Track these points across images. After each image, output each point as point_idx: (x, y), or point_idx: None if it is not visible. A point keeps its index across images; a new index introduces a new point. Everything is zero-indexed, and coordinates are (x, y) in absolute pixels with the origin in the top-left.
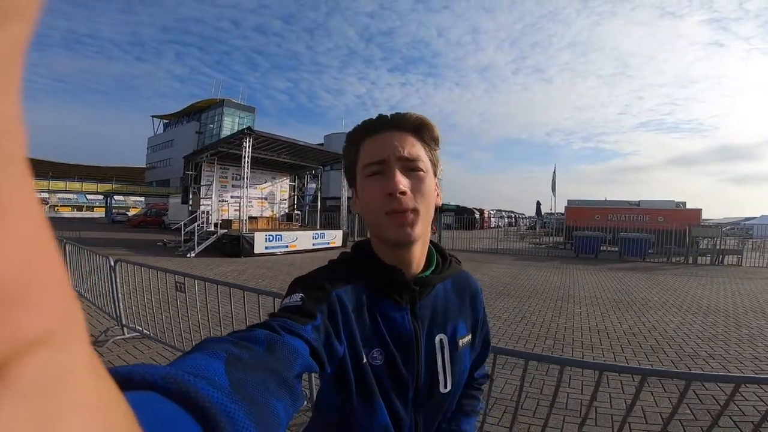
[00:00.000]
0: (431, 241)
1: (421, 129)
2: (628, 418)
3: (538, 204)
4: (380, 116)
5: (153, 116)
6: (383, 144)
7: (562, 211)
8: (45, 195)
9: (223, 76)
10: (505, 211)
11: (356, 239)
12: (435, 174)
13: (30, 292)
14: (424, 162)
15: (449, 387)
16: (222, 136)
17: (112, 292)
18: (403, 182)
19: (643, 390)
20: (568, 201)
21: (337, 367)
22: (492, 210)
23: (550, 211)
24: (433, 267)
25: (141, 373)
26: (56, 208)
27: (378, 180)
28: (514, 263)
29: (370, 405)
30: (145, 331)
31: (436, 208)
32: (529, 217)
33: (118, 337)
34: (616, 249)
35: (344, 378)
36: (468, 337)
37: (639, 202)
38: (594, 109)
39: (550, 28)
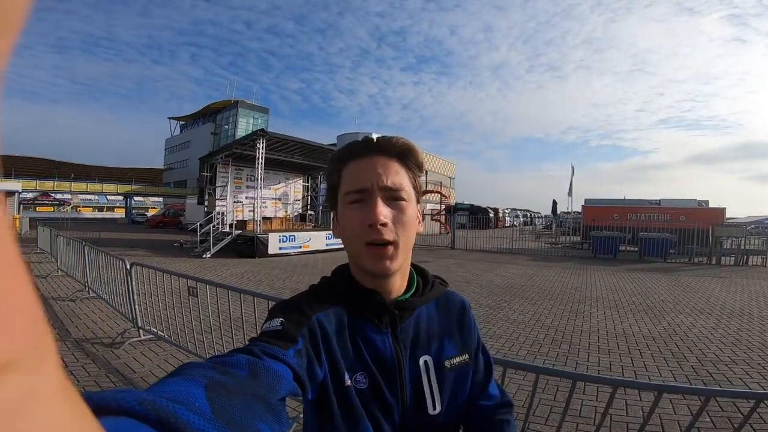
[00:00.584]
0: (413, 264)
1: (406, 155)
2: (645, 427)
3: (554, 203)
4: (366, 139)
5: (170, 118)
6: (367, 171)
7: (579, 210)
8: (68, 196)
9: (237, 77)
10: (521, 210)
11: None
12: (418, 201)
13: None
14: (407, 191)
15: (438, 408)
16: (237, 137)
17: (129, 295)
18: (384, 213)
19: (664, 399)
20: (586, 200)
21: (317, 391)
22: (507, 209)
23: (566, 210)
24: (413, 290)
25: (116, 398)
26: (78, 209)
27: (359, 209)
28: (529, 264)
29: (357, 429)
30: (160, 333)
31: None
32: (545, 217)
33: (135, 339)
34: (636, 249)
35: (326, 403)
36: (462, 357)
37: (660, 201)
38: (611, 106)
39: (564, 26)
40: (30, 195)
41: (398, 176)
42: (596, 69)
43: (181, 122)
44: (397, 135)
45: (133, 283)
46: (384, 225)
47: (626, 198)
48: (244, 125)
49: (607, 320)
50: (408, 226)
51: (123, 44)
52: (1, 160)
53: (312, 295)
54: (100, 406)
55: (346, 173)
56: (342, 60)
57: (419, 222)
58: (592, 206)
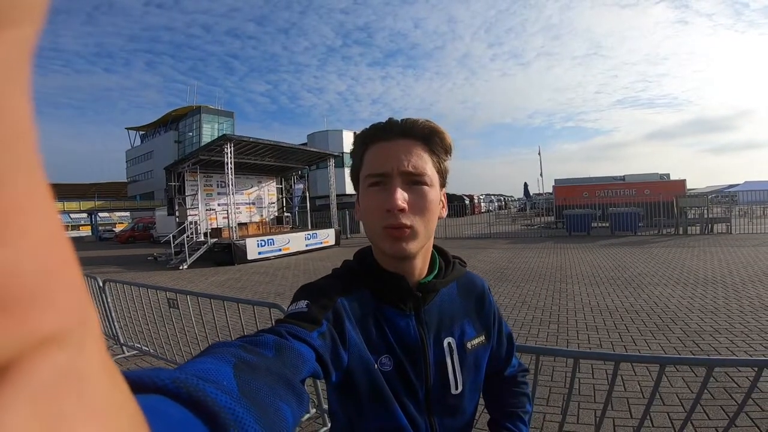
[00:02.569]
0: (435, 246)
1: (431, 138)
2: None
3: (526, 186)
4: (390, 121)
5: (127, 128)
6: (388, 154)
7: (551, 191)
8: None
9: (199, 82)
10: (494, 195)
11: (348, 236)
12: (443, 185)
13: (47, 291)
14: (429, 175)
15: (460, 388)
16: (202, 143)
17: (106, 312)
18: (402, 198)
19: (663, 371)
20: (556, 180)
21: (343, 374)
22: (481, 195)
23: (538, 192)
24: (436, 272)
25: (151, 377)
26: None
27: (378, 193)
28: (508, 247)
29: (385, 409)
30: (144, 347)
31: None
32: (519, 200)
33: (119, 356)
34: (607, 225)
35: (351, 385)
36: (479, 338)
37: (624, 177)
38: (572, 90)
39: (523, 13)
40: None
41: (420, 160)
42: (556, 55)
43: (141, 132)
44: (422, 118)
45: (109, 300)
46: (402, 210)
47: (593, 176)
48: (209, 131)
49: (590, 297)
50: (428, 210)
51: (70, 54)
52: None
53: (336, 279)
54: (137, 383)
55: (368, 156)
56: (308, 59)
57: (443, 207)
58: (562, 186)
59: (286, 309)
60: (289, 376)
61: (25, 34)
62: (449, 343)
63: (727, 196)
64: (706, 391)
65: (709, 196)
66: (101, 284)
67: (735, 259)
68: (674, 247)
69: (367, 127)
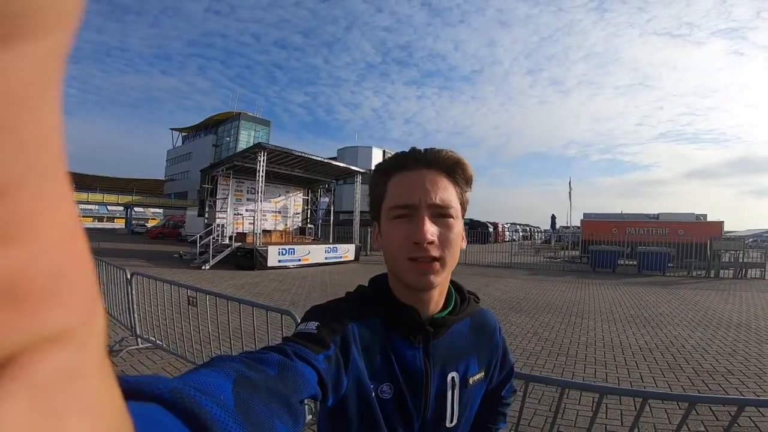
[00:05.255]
0: (452, 281)
1: (455, 169)
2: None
3: (553, 217)
4: (413, 151)
5: (172, 129)
6: (414, 186)
7: (578, 225)
8: None
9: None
10: (520, 225)
11: (368, 253)
12: (463, 216)
13: (57, 290)
14: (455, 208)
15: (455, 422)
16: (238, 149)
17: (128, 303)
18: (431, 231)
19: (658, 408)
20: (584, 214)
21: (339, 399)
22: (507, 224)
23: (565, 225)
24: (451, 308)
25: (150, 384)
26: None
27: (405, 224)
28: (527, 278)
29: None
30: (158, 341)
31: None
32: (544, 231)
33: (132, 347)
34: (635, 263)
35: (345, 411)
36: (480, 374)
37: (658, 215)
38: (612, 120)
39: (566, 41)
40: None
41: (446, 192)
42: (598, 83)
43: (183, 133)
44: (445, 148)
45: (133, 292)
46: (431, 243)
47: (624, 212)
48: (246, 137)
49: (604, 332)
50: (454, 243)
51: (134, 54)
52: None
53: (349, 304)
54: (135, 390)
55: (392, 186)
56: (347, 74)
57: (463, 238)
58: (591, 220)
59: (296, 323)
60: (289, 395)
61: (56, 40)
62: (453, 378)
63: (765, 240)
64: (702, 427)
65: (747, 240)
66: (128, 276)
67: (765, 304)
68: (703, 289)
69: (390, 156)
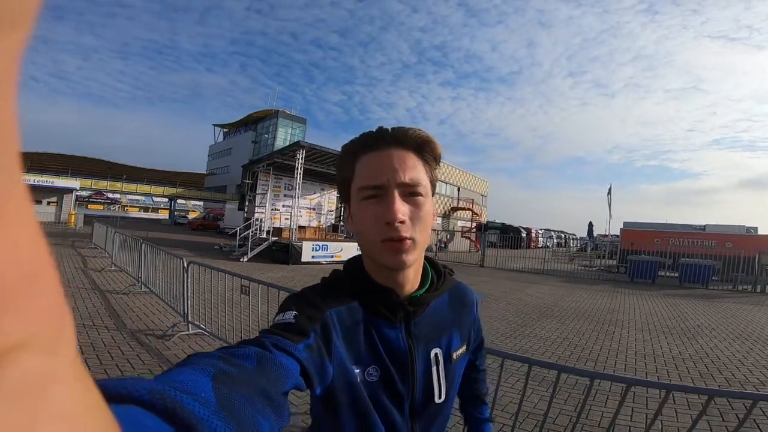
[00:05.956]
0: (426, 257)
1: (423, 147)
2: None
3: (591, 225)
4: (380, 129)
5: (214, 125)
6: (382, 165)
7: (617, 233)
8: (118, 196)
9: (281, 87)
10: (555, 231)
11: None
12: (433, 194)
13: (21, 295)
14: (424, 186)
15: (443, 397)
16: (275, 146)
17: (183, 291)
18: (402, 210)
19: (691, 408)
20: (624, 223)
21: (326, 386)
22: (540, 229)
23: (603, 233)
24: (428, 285)
25: (127, 387)
26: (126, 208)
27: (375, 205)
28: (561, 285)
29: (366, 421)
30: (207, 329)
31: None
32: (580, 239)
33: (183, 333)
34: (676, 275)
35: (335, 397)
36: (463, 348)
37: (705, 226)
38: (661, 125)
39: (612, 43)
40: (85, 193)
41: (415, 171)
42: (646, 87)
43: (225, 130)
44: (413, 126)
45: (189, 280)
46: (402, 222)
47: (668, 222)
48: (283, 134)
49: (637, 342)
50: (425, 221)
51: (182, 51)
52: (22, 155)
53: (326, 289)
54: (112, 393)
55: (360, 167)
56: (382, 74)
57: (434, 216)
58: (631, 230)
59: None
60: (270, 389)
61: (12, 40)
62: (436, 354)
63: None
64: (722, 423)
65: None
66: (185, 265)
67: None
68: (746, 303)
69: (357, 136)
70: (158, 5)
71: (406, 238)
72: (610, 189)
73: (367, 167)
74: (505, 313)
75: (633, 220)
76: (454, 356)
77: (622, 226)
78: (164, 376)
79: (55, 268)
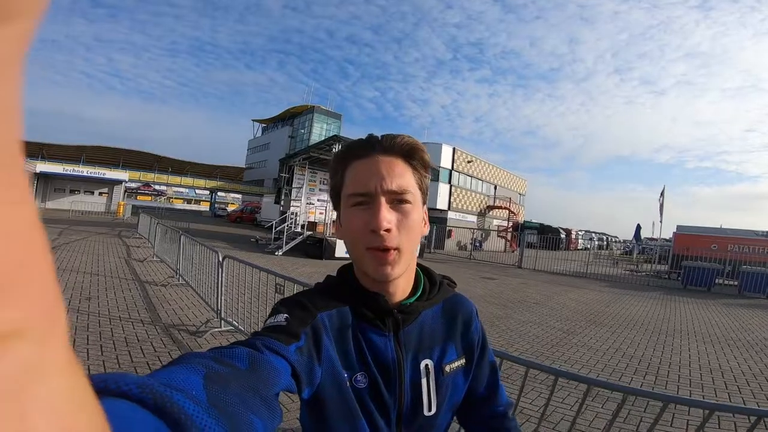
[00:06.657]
0: (420, 265)
1: (411, 154)
2: None
3: (638, 227)
4: (370, 137)
5: (253, 120)
6: (370, 173)
7: (668, 237)
8: (164, 188)
9: (317, 83)
10: (596, 233)
11: (432, 251)
12: (424, 202)
13: (13, 285)
14: (413, 193)
15: (434, 410)
16: (311, 141)
17: (217, 285)
18: (387, 219)
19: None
20: (678, 227)
21: (315, 390)
22: (580, 231)
23: (651, 237)
24: (419, 293)
25: (116, 381)
26: (171, 200)
27: (362, 212)
28: (605, 290)
29: (353, 426)
30: (240, 326)
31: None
32: (624, 241)
33: (216, 330)
34: (735, 283)
35: (323, 401)
36: (459, 362)
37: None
38: (716, 125)
39: (662, 39)
40: (134, 185)
41: (403, 178)
42: (700, 85)
43: (263, 124)
44: (402, 133)
45: (223, 274)
46: (387, 231)
47: (723, 227)
48: (318, 130)
49: (699, 354)
50: (412, 230)
51: (222, 50)
52: (24, 144)
53: (318, 294)
54: (101, 387)
55: (349, 174)
56: (417, 70)
57: (425, 224)
58: (686, 234)
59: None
60: (262, 389)
61: (20, 29)
62: (426, 365)
63: None
64: None
65: None
66: (221, 259)
67: None
68: None
69: (347, 144)
70: (201, 2)
71: (390, 248)
72: (663, 191)
73: (356, 174)
74: (548, 318)
75: (683, 224)
76: (447, 369)
77: (675, 230)
78: (154, 374)
79: (50, 256)
